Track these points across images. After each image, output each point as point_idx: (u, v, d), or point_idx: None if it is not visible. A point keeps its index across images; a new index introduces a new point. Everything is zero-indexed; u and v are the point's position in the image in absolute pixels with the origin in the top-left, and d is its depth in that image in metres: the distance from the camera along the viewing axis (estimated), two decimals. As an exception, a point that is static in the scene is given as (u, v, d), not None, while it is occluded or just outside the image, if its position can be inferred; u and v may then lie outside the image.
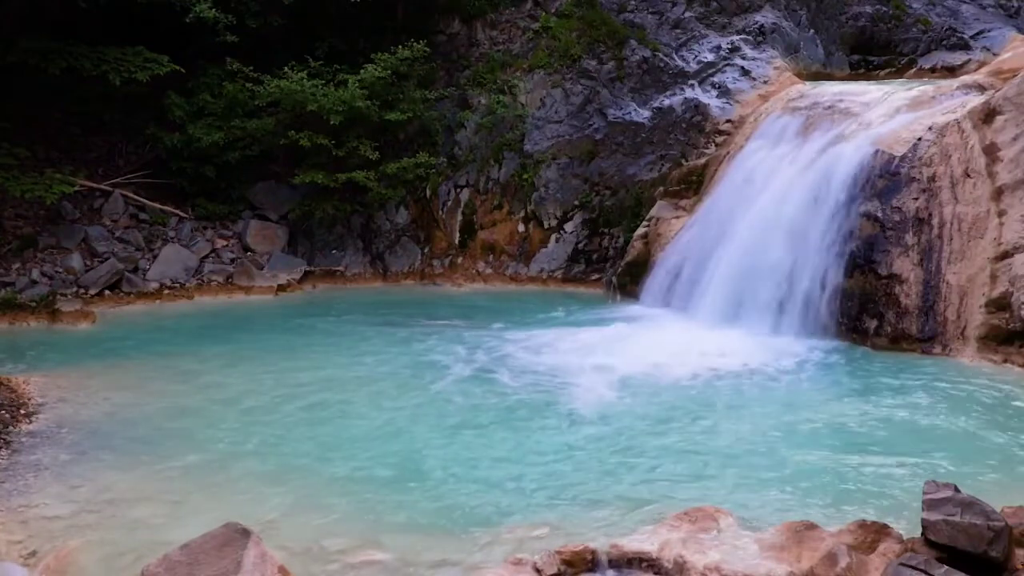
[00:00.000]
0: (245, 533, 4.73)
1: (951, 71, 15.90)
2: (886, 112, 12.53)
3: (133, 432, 7.84)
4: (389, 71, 14.51)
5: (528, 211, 15.54)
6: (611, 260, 14.96)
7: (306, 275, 14.64)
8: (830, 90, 14.06)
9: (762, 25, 16.16)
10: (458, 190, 15.71)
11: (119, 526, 6.04)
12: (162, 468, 7.07)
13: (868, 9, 16.91)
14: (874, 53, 16.95)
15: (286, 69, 14.34)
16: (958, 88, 12.52)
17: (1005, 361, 9.99)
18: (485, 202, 15.66)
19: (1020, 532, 4.97)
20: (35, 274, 12.93)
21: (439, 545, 5.75)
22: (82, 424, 7.97)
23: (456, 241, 15.61)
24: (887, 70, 16.65)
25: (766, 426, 8.20)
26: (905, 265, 10.97)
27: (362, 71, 14.37)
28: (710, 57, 15.84)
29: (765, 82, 15.45)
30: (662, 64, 15.75)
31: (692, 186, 14.42)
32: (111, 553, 5.66)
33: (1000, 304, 10.19)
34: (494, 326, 12.00)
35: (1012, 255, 10.30)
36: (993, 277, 10.36)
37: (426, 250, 15.59)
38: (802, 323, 11.32)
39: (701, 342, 10.89)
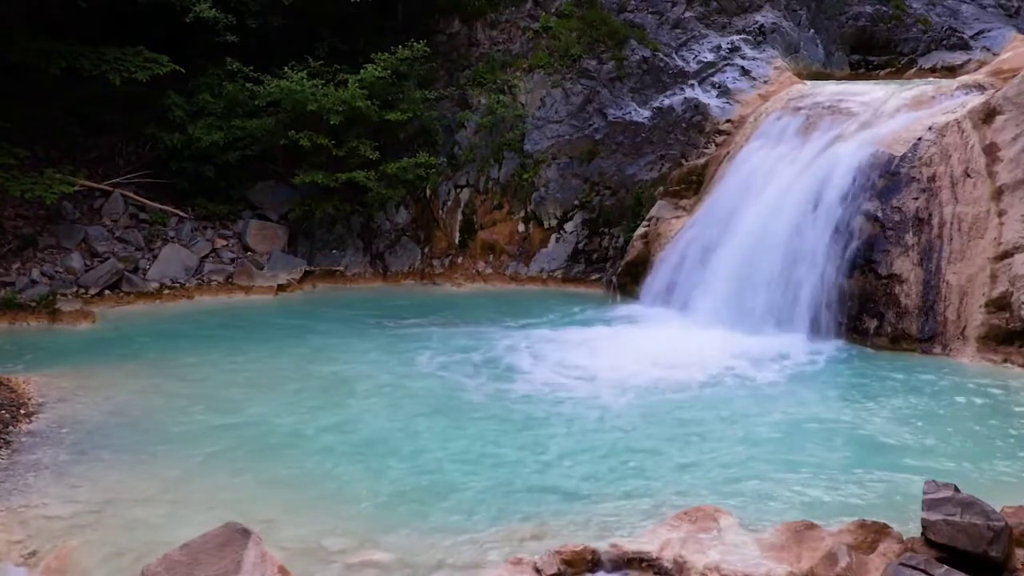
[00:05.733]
0: (245, 533, 4.72)
1: (951, 71, 15.89)
2: (886, 112, 12.53)
3: (133, 432, 7.84)
4: (389, 71, 14.51)
5: (528, 211, 15.54)
6: (611, 260, 14.96)
7: (306, 275, 14.64)
8: (830, 90, 14.06)
9: (762, 25, 16.16)
10: (458, 190, 15.71)
11: (119, 526, 6.04)
12: (162, 468, 7.07)
13: (868, 9, 16.90)
14: (874, 53, 16.94)
15: (286, 69, 14.33)
16: (958, 88, 12.52)
17: (1005, 361, 10.00)
18: (485, 202, 15.66)
19: (1020, 532, 4.97)
20: (35, 274, 12.92)
21: (439, 545, 5.75)
22: (82, 424, 7.97)
23: (456, 241, 15.60)
24: (887, 70, 16.65)
25: (765, 426, 8.20)
26: (905, 265, 10.97)
27: (362, 71, 14.36)
28: (710, 57, 15.84)
29: (765, 82, 15.45)
30: (662, 64, 15.75)
31: (692, 186, 14.42)
32: (111, 553, 5.66)
33: (1000, 304, 10.20)
34: (494, 326, 12.00)
35: (1012, 255, 10.31)
36: (993, 277, 10.36)
37: (426, 250, 15.58)
38: (802, 323, 11.31)
39: (701, 342, 10.90)
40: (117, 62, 13.39)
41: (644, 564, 5.25)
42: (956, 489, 5.04)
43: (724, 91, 15.45)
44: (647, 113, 15.48)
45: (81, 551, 5.67)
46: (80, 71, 13.23)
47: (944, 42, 16.74)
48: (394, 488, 6.76)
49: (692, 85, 15.58)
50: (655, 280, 13.33)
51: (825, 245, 11.51)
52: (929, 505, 4.97)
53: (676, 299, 12.79)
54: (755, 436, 7.94)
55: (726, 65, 15.72)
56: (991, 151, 10.94)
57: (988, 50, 16.22)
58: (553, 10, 16.35)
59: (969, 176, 10.98)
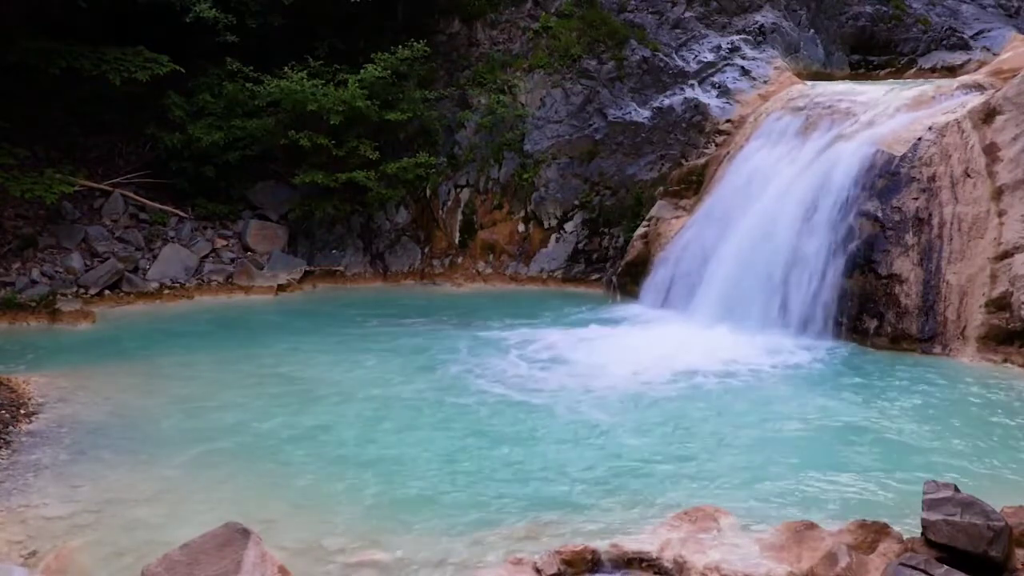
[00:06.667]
0: (245, 533, 4.72)
1: (951, 71, 15.89)
2: (886, 112, 12.53)
3: (133, 432, 7.84)
4: (389, 71, 14.51)
5: (528, 211, 15.54)
6: (611, 260, 14.96)
7: (306, 275, 14.64)
8: (830, 90, 14.06)
9: (762, 25, 16.16)
10: (458, 190, 15.70)
11: (119, 526, 6.04)
12: (162, 468, 7.07)
13: (868, 9, 16.90)
14: (874, 53, 16.94)
15: (286, 69, 14.33)
16: (958, 88, 12.52)
17: (1005, 361, 10.00)
18: (485, 202, 15.66)
19: (1020, 532, 4.96)
20: (35, 274, 12.92)
21: (439, 545, 5.75)
22: (82, 424, 7.97)
23: (456, 241, 15.60)
24: (887, 70, 16.65)
25: (765, 426, 8.20)
26: (905, 265, 10.97)
27: (362, 71, 14.37)
28: (710, 57, 15.84)
29: (765, 82, 15.45)
30: (662, 64, 15.75)
31: (692, 186, 14.42)
32: (111, 553, 5.66)
33: (1000, 304, 10.20)
34: (494, 326, 12.00)
35: (1012, 255, 10.31)
36: (993, 277, 10.36)
37: (426, 250, 15.58)
38: (802, 323, 11.32)
39: (700, 342, 10.89)
40: (117, 62, 13.39)
41: (644, 564, 5.24)
42: (956, 489, 5.03)
43: (724, 91, 15.45)
44: (647, 113, 15.48)
45: (81, 551, 5.67)
46: (80, 71, 13.23)
47: (944, 42, 16.73)
48: (394, 488, 6.76)
49: (692, 85, 15.58)
50: (655, 280, 13.33)
51: (825, 245, 11.51)
52: (929, 505, 4.96)
53: (676, 299, 12.79)
54: (754, 435, 7.94)
55: (726, 65, 15.72)
56: (991, 151, 10.94)
57: (988, 50, 16.21)
58: (553, 10, 16.35)
59: (969, 176, 10.98)
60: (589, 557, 5.28)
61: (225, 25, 14.15)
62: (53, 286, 12.69)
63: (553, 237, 15.39)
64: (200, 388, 9.22)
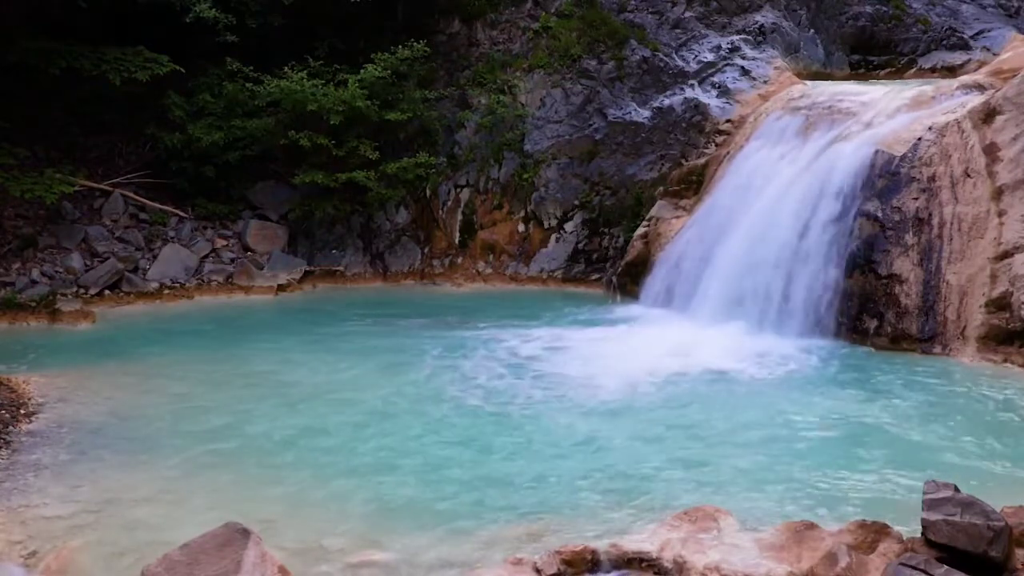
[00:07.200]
0: (245, 533, 4.72)
1: (951, 71, 15.90)
2: (886, 112, 12.53)
3: (133, 432, 7.85)
4: (389, 71, 14.51)
5: (528, 211, 15.55)
6: (611, 260, 14.96)
7: (306, 275, 14.64)
8: (830, 90, 14.06)
9: (762, 25, 16.16)
10: (458, 190, 15.71)
11: (119, 526, 6.05)
12: (162, 468, 7.07)
13: (868, 9, 16.91)
14: (874, 53, 16.95)
15: (286, 69, 14.34)
16: (958, 88, 12.51)
17: (1005, 361, 10.00)
18: (485, 202, 15.66)
19: (1020, 532, 4.96)
20: (35, 274, 12.92)
21: (439, 545, 5.75)
22: (82, 424, 7.97)
23: (456, 241, 15.60)
24: (887, 70, 16.66)
25: (766, 426, 8.19)
26: (905, 265, 10.97)
27: (362, 71, 14.37)
28: (710, 57, 15.84)
29: (765, 82, 15.45)
30: (662, 64, 15.75)
31: (692, 186, 14.42)
32: (111, 553, 5.67)
33: (1000, 304, 10.20)
34: (494, 327, 11.99)
35: (1012, 255, 10.30)
36: (993, 277, 10.36)
37: (426, 250, 15.58)
38: (802, 323, 11.31)
39: (700, 342, 10.88)
40: (117, 62, 13.39)
41: (644, 564, 5.24)
42: (956, 489, 5.03)
43: (724, 91, 15.45)
44: (647, 113, 15.48)
45: (81, 551, 5.67)
46: (80, 71, 13.24)
47: (944, 42, 16.74)
48: (394, 488, 6.76)
49: (692, 85, 15.58)
50: (655, 280, 13.32)
51: (825, 245, 11.50)
52: (929, 505, 4.96)
53: (676, 299, 12.79)
54: (754, 435, 7.93)
55: (726, 65, 15.72)
56: (991, 151, 10.94)
57: (988, 50, 16.22)
58: (553, 10, 16.35)
59: (969, 176, 10.98)
60: (589, 557, 5.29)
61: (225, 25, 14.15)
62: (53, 286, 12.69)
63: (553, 237, 15.39)
64: (200, 388, 9.22)
